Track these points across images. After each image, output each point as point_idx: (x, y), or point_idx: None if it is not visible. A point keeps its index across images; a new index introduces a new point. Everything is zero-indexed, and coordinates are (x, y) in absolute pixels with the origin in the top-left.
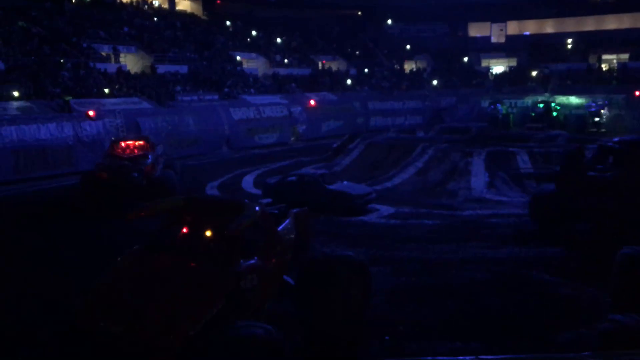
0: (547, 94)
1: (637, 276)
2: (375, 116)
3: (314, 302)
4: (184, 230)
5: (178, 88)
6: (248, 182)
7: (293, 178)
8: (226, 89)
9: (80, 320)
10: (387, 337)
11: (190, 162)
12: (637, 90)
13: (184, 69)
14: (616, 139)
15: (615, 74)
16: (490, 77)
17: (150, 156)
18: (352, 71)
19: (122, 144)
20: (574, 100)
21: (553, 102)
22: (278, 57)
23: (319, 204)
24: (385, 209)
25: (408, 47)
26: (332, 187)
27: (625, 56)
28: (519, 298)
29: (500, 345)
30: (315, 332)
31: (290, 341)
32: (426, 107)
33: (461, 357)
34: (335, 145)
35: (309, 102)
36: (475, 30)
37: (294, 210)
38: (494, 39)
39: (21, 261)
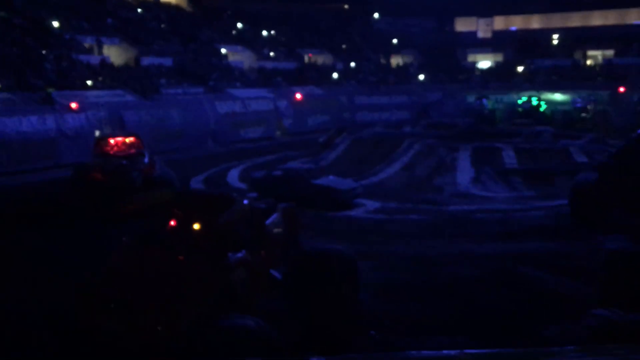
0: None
1: (622, 272)
2: (362, 111)
3: (308, 297)
4: (174, 223)
5: (163, 81)
6: (233, 176)
7: (279, 172)
8: (211, 83)
9: (79, 319)
10: (372, 332)
11: (175, 156)
12: (621, 86)
13: (168, 61)
14: None
15: (599, 70)
16: (477, 73)
17: (146, 154)
18: (339, 65)
19: (112, 141)
20: (559, 96)
21: (540, 98)
22: (264, 51)
23: (305, 199)
24: (372, 204)
25: (395, 41)
26: (318, 181)
27: (610, 52)
28: (505, 293)
29: (486, 340)
30: (310, 327)
31: (282, 335)
32: (413, 102)
33: (446, 352)
34: (321, 140)
35: (295, 96)
36: (462, 25)
37: (282, 205)
38: (480, 34)
39: (15, 259)
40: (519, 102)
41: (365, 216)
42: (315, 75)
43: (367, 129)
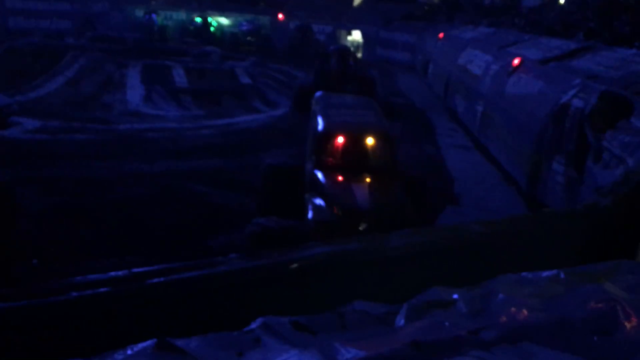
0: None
1: (277, 183)
2: (16, 16)
3: None
4: None
5: None
6: None
7: None
8: None
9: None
10: (34, 261)
11: None
12: (280, 13)
13: None
14: None
15: None
16: None
17: None
18: None
19: None
20: (224, 20)
21: (211, 18)
22: None
23: None
24: (30, 123)
25: None
26: None
27: None
28: (176, 209)
29: (156, 257)
30: None
31: None
32: (75, 11)
33: (114, 273)
34: None
35: None
36: None
37: None
38: None
39: None
40: (190, 21)
41: (23, 137)
42: None
43: (22, 38)
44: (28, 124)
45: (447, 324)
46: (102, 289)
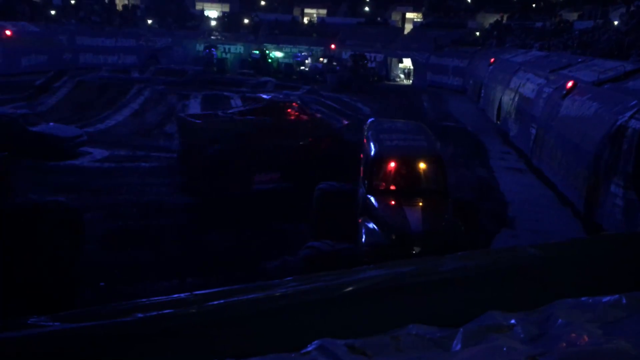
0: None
1: (329, 207)
2: (86, 53)
3: (16, 252)
4: None
5: None
6: None
7: None
8: None
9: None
10: (102, 284)
11: None
12: (332, 43)
13: None
14: None
15: (315, 27)
16: (205, 21)
17: None
18: (56, 1)
19: None
20: (278, 53)
21: (267, 50)
22: None
23: (20, 148)
24: (99, 152)
25: None
26: (35, 128)
27: (323, 11)
28: (234, 233)
29: (215, 278)
30: (21, 286)
31: None
32: (141, 47)
33: (176, 295)
34: (38, 83)
35: (5, 32)
36: None
37: None
38: None
39: None
40: (251, 53)
41: (92, 165)
42: (28, 10)
43: (92, 73)
44: (97, 154)
45: (505, 349)
46: (165, 311)
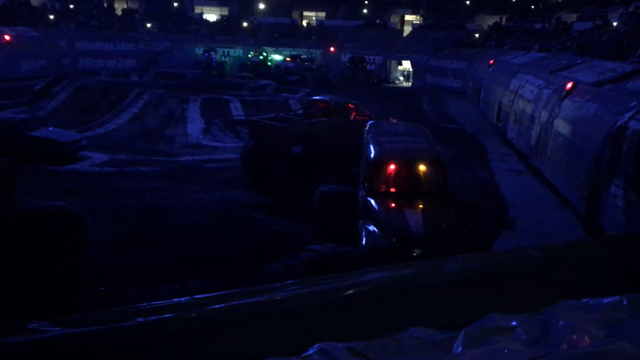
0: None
1: (331, 209)
2: (85, 57)
3: (19, 256)
4: None
5: None
6: None
7: None
8: None
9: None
10: (102, 288)
11: None
12: (332, 46)
13: None
14: None
15: (314, 30)
16: (204, 25)
17: None
18: (55, 5)
19: None
20: (277, 56)
21: (267, 53)
22: None
23: (19, 152)
24: (98, 157)
25: None
26: (35, 133)
27: (322, 14)
28: (234, 237)
29: (217, 282)
30: (27, 290)
31: None
32: (140, 51)
33: (176, 299)
34: (37, 88)
35: (4, 37)
36: None
37: None
38: None
39: None
40: (249, 55)
41: (91, 169)
42: (27, 15)
43: (91, 77)
44: (96, 158)
45: (506, 351)
46: (165, 315)
